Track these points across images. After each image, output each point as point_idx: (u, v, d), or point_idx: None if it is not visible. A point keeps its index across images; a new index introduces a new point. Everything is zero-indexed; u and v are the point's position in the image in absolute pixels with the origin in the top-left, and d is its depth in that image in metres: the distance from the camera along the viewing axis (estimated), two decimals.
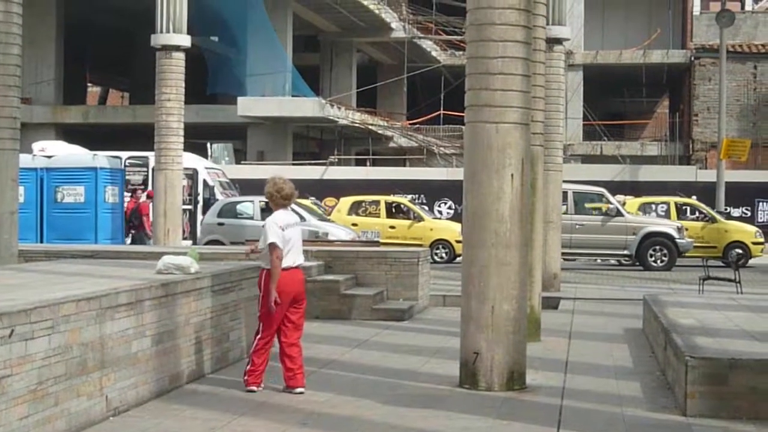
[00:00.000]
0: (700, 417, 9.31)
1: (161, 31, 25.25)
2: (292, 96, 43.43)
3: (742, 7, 64.07)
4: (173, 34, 25.13)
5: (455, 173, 38.18)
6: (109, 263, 13.86)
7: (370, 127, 48.61)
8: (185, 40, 25.31)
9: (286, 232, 10.35)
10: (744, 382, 9.33)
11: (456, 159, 46.65)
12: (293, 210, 11.01)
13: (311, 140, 50.78)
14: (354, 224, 31.60)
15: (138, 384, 9.65)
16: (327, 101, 44.26)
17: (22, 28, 16.03)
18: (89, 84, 62.45)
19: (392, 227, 32.22)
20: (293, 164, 44.88)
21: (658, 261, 29.97)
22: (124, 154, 33.39)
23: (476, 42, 10.70)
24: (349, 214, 32.55)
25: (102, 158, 27.95)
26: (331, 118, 44.15)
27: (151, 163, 31.59)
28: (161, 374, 10.16)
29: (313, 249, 18.21)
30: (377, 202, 33.36)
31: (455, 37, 52.81)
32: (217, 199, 31.90)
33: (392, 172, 44.85)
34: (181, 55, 25.29)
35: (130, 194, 29.75)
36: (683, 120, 53.53)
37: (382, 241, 29.00)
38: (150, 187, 30.34)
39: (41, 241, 26.22)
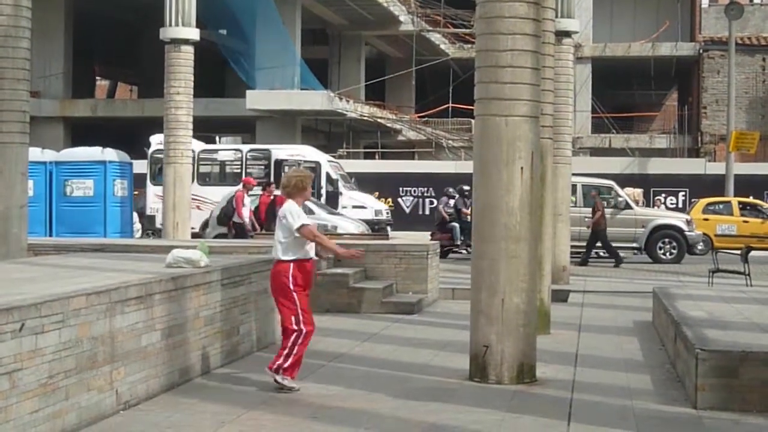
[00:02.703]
0: (711, 410, 9.30)
1: (170, 25, 25.27)
2: (301, 89, 43.42)
3: None
4: (182, 28, 25.15)
5: (464, 166, 38.16)
6: (118, 257, 13.87)
7: (378, 120, 48.60)
8: (194, 34, 25.33)
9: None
10: (755, 375, 9.32)
11: (465, 152, 46.66)
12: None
13: (320, 133, 50.76)
14: None
15: (148, 378, 9.66)
16: (336, 94, 44.25)
17: (31, 22, 16.03)
18: (98, 78, 62.50)
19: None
20: None
21: (668, 254, 29.94)
22: (245, 147, 33.52)
23: (486, 35, 10.68)
24: None
25: (111, 152, 27.97)
26: (340, 111, 44.14)
27: (274, 156, 31.70)
28: (171, 368, 10.16)
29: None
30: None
31: (464, 30, 52.76)
32: (341, 193, 31.85)
33: (401, 165, 44.85)
34: (190, 49, 25.31)
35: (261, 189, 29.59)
36: (692, 112, 53.47)
37: None
38: (272, 180, 30.33)
39: (50, 235, 26.26)
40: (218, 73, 51.52)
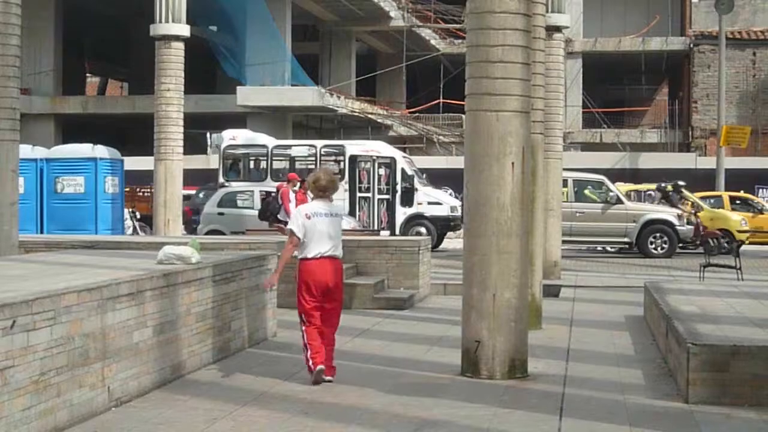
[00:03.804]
0: (702, 404, 9.31)
1: (160, 21, 25.23)
2: (292, 85, 43.41)
3: None
4: (172, 24, 25.11)
5: (455, 162, 38.20)
6: (109, 254, 13.85)
7: (369, 116, 48.59)
8: (184, 30, 25.30)
9: (312, 221, 10.36)
10: (746, 369, 9.33)
11: (456, 147, 46.65)
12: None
13: (310, 129, 50.74)
14: None
15: (140, 374, 9.65)
16: (326, 90, 44.25)
17: (21, 19, 16.01)
18: (88, 74, 62.41)
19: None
20: None
21: (659, 248, 29.97)
22: (319, 143, 33.23)
23: (476, 30, 10.68)
24: None
25: (102, 149, 27.91)
26: (331, 107, 44.13)
27: (348, 152, 31.40)
28: (163, 364, 10.16)
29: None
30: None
31: (454, 25, 52.77)
32: (416, 189, 31.70)
33: None
34: (181, 45, 25.27)
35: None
36: (683, 107, 53.54)
37: None
38: (346, 177, 30.44)
39: (41, 232, 26.20)
40: (209, 70, 51.45)
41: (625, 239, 30.18)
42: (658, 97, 63.91)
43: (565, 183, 26.96)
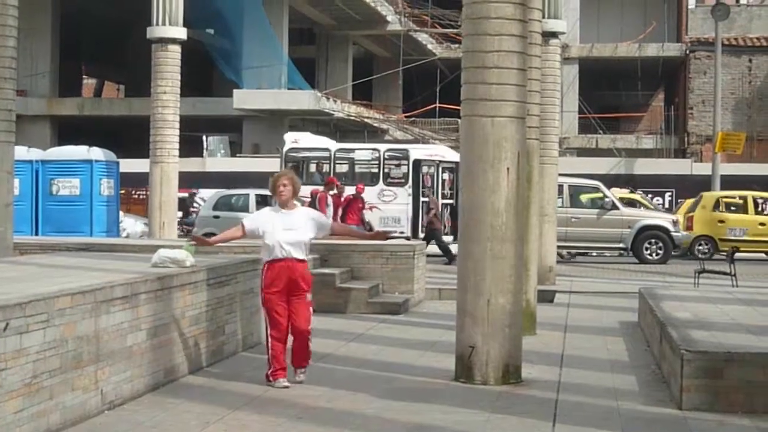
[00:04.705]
0: (696, 410, 9.30)
1: (157, 24, 25.23)
2: (288, 89, 43.43)
3: (737, 0, 64.05)
4: (169, 27, 25.11)
5: None
6: (104, 256, 13.85)
7: (365, 120, 48.59)
8: (181, 33, 25.29)
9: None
10: (740, 376, 9.33)
11: None
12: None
13: (308, 132, 50.71)
14: (721, 221, 31.44)
15: (133, 377, 9.64)
16: (323, 94, 44.27)
17: (18, 21, 16.00)
18: (85, 76, 62.39)
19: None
20: None
21: (654, 254, 30.00)
22: (383, 147, 32.96)
23: (472, 36, 10.68)
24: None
25: (97, 151, 27.90)
26: (327, 111, 44.15)
27: (412, 156, 31.13)
28: (156, 368, 10.14)
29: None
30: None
31: (451, 30, 52.74)
32: None
33: None
34: (177, 48, 25.27)
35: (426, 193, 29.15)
36: (678, 113, 53.59)
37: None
38: (410, 181, 30.19)
39: (36, 234, 26.19)
40: (205, 72, 51.47)
41: (621, 245, 30.21)
42: (654, 103, 63.92)
43: (560, 189, 26.94)
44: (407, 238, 28.76)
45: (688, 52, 51.88)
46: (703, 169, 42.98)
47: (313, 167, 31.90)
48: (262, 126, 45.11)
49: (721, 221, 31.51)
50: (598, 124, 54.47)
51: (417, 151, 31.70)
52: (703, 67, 51.06)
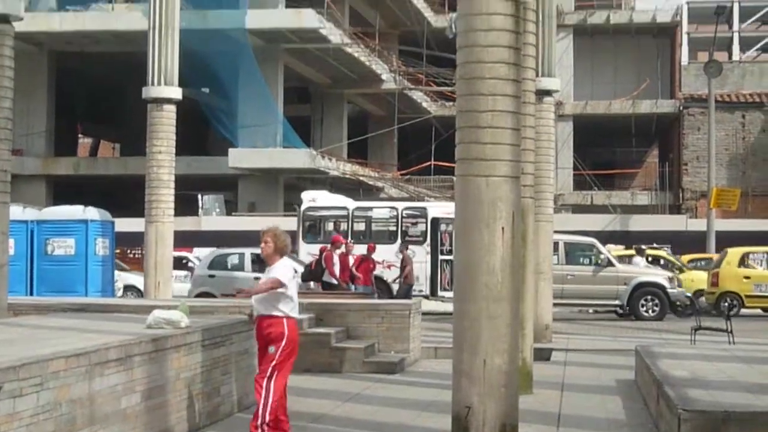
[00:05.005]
0: None
1: (152, 84, 25.28)
2: (283, 147, 43.51)
3: (730, 57, 64.63)
4: (164, 87, 25.15)
5: None
6: (99, 317, 13.81)
7: (361, 178, 48.67)
8: (176, 93, 25.35)
9: (296, 277, 10.43)
10: None
11: None
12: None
13: (302, 191, 50.78)
14: (746, 277, 31.33)
15: None
16: (318, 152, 44.37)
17: (14, 82, 16.07)
18: (80, 135, 62.55)
19: None
20: (284, 215, 44.81)
21: (650, 311, 29.95)
22: (400, 205, 32.92)
23: (466, 96, 10.72)
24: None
25: (92, 210, 27.90)
26: (323, 169, 44.24)
27: (430, 214, 31.03)
28: (151, 430, 10.08)
29: (305, 301, 18.13)
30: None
31: (446, 88, 53.02)
32: None
33: None
34: (172, 108, 25.30)
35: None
36: (673, 169, 53.75)
37: None
38: (428, 239, 30.20)
39: (31, 294, 26.13)
40: (201, 131, 51.59)
41: (617, 302, 30.18)
42: (649, 159, 64.16)
43: (556, 246, 26.94)
44: (426, 297, 28.74)
45: (681, 108, 52.16)
46: (698, 225, 43.06)
47: (330, 225, 31.83)
48: (258, 185, 45.16)
49: (747, 277, 31.41)
50: (593, 181, 54.62)
51: (435, 209, 31.70)
52: (697, 123, 51.31)
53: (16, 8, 16.17)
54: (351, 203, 32.45)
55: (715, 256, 35.10)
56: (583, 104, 53.93)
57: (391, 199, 51.39)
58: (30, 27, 36.01)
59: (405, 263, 28.35)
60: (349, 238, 28.98)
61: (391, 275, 29.37)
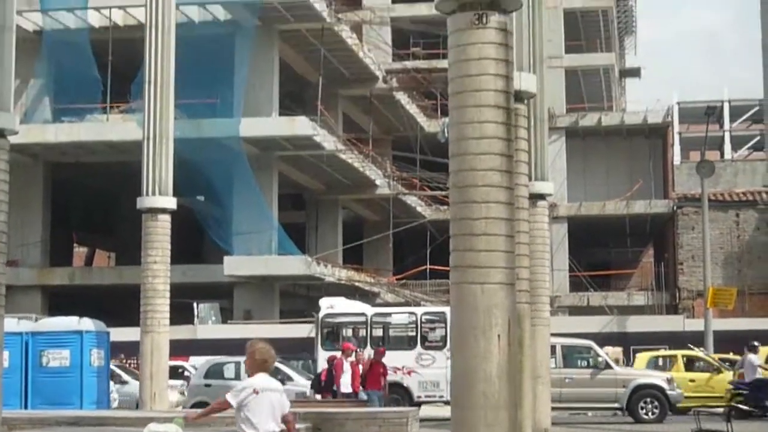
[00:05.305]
0: None
1: (147, 194, 25.40)
2: (279, 254, 43.52)
3: (722, 155, 65.17)
4: (159, 197, 25.28)
5: None
6: (94, 431, 13.68)
7: (356, 283, 48.62)
8: (171, 203, 25.47)
9: (260, 396, 10.11)
10: None
11: None
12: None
13: (298, 298, 50.73)
14: None
15: None
16: (313, 259, 44.37)
17: (8, 195, 16.11)
18: (75, 245, 62.62)
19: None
20: (280, 323, 44.69)
21: (649, 413, 29.70)
22: (419, 310, 32.73)
23: (459, 204, 10.77)
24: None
25: (87, 321, 27.81)
26: (318, 275, 44.19)
27: (450, 319, 30.50)
28: None
29: (302, 411, 17.99)
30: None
31: (440, 192, 53.25)
32: None
33: None
34: (167, 218, 25.41)
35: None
36: (668, 269, 53.77)
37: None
38: (447, 345, 29.47)
39: (26, 407, 25.92)
40: (195, 239, 51.65)
41: (616, 404, 29.95)
42: (644, 259, 64.22)
43: (553, 349, 26.82)
44: (446, 403, 28.44)
45: (675, 208, 52.36)
46: (695, 324, 42.92)
47: (349, 332, 31.60)
48: (253, 292, 45.09)
49: None
50: (588, 282, 54.59)
51: None
52: (691, 223, 51.43)
53: (11, 122, 16.28)
54: (369, 309, 32.32)
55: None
56: (577, 206, 54.13)
57: (387, 304, 51.34)
58: (25, 139, 36.32)
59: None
60: (368, 344, 28.81)
61: (411, 381, 29.14)
